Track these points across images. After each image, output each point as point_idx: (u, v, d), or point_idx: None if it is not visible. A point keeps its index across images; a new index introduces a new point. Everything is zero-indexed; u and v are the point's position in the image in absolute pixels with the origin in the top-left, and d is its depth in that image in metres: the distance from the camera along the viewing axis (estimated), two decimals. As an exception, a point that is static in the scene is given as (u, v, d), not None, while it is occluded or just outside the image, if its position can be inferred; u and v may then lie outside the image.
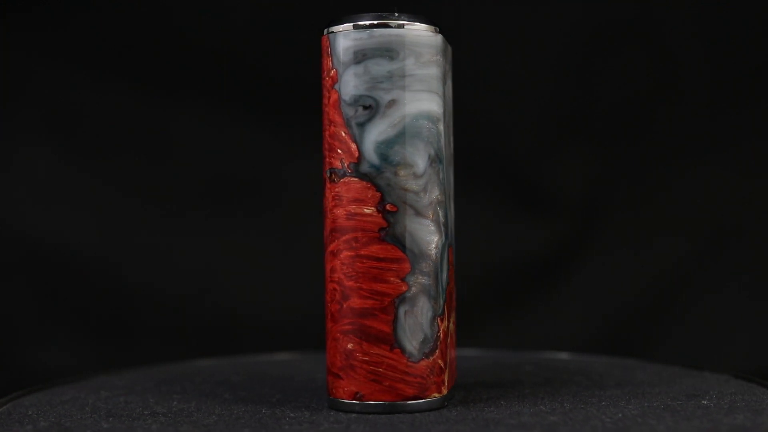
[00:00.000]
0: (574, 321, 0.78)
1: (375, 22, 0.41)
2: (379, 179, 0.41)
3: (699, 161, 0.76)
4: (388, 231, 0.41)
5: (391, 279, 0.41)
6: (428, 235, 0.41)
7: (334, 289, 0.42)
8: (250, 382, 0.51)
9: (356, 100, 0.41)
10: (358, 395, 0.41)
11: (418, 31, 0.41)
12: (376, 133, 0.41)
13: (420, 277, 0.41)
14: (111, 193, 0.76)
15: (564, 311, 0.78)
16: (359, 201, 0.41)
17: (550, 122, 0.78)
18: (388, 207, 0.41)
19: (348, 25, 0.41)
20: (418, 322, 0.41)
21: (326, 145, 0.42)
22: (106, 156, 0.75)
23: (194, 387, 0.49)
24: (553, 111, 0.78)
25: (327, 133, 0.42)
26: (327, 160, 0.42)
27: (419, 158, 0.41)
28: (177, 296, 0.75)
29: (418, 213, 0.41)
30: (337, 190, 0.42)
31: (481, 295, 0.77)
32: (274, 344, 0.69)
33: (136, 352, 0.75)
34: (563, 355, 0.58)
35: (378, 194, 0.41)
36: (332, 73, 0.42)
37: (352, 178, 0.41)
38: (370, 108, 0.41)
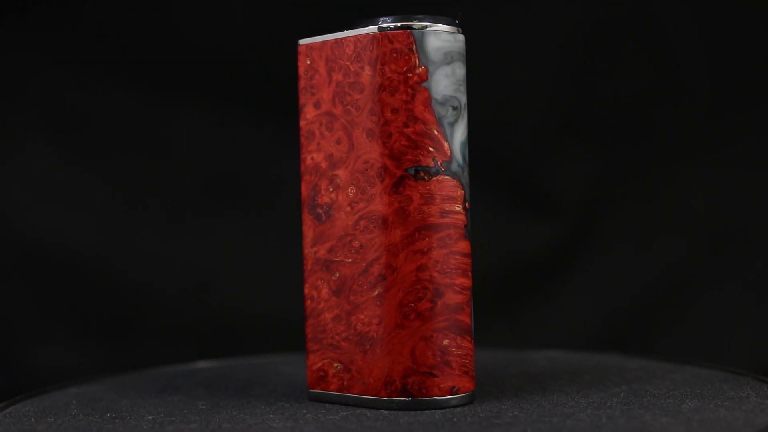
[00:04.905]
0: (574, 320, 0.75)
1: (457, 28, 0.43)
2: (462, 178, 0.43)
3: (699, 161, 0.76)
4: (467, 227, 0.43)
5: (470, 273, 0.43)
6: (468, 231, 0.45)
7: (426, 287, 0.42)
8: (258, 382, 0.50)
9: (447, 100, 0.42)
10: (454, 389, 0.42)
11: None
12: (460, 133, 0.43)
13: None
14: (111, 192, 0.75)
15: (564, 311, 0.75)
16: (451, 199, 0.42)
17: (551, 122, 0.76)
18: (467, 205, 0.43)
19: (439, 26, 0.42)
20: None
21: (405, 143, 0.42)
22: (106, 155, 0.75)
23: (195, 388, 0.48)
24: (553, 110, 0.76)
25: (408, 130, 0.42)
26: (408, 157, 0.42)
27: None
28: (177, 296, 0.75)
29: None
30: (429, 187, 0.42)
31: (480, 294, 0.65)
32: (276, 345, 0.68)
33: (135, 352, 0.75)
34: (564, 354, 0.57)
35: (463, 192, 0.43)
36: (419, 70, 0.42)
37: (445, 177, 0.42)
38: (456, 109, 0.43)
